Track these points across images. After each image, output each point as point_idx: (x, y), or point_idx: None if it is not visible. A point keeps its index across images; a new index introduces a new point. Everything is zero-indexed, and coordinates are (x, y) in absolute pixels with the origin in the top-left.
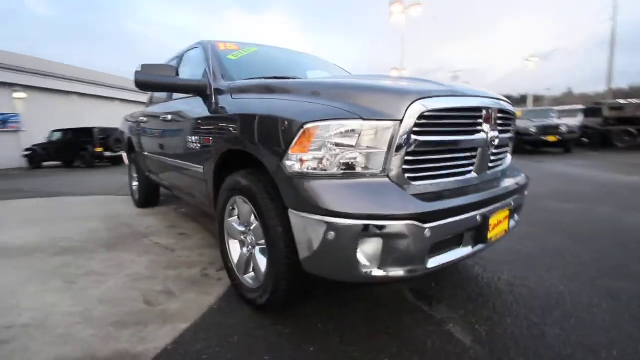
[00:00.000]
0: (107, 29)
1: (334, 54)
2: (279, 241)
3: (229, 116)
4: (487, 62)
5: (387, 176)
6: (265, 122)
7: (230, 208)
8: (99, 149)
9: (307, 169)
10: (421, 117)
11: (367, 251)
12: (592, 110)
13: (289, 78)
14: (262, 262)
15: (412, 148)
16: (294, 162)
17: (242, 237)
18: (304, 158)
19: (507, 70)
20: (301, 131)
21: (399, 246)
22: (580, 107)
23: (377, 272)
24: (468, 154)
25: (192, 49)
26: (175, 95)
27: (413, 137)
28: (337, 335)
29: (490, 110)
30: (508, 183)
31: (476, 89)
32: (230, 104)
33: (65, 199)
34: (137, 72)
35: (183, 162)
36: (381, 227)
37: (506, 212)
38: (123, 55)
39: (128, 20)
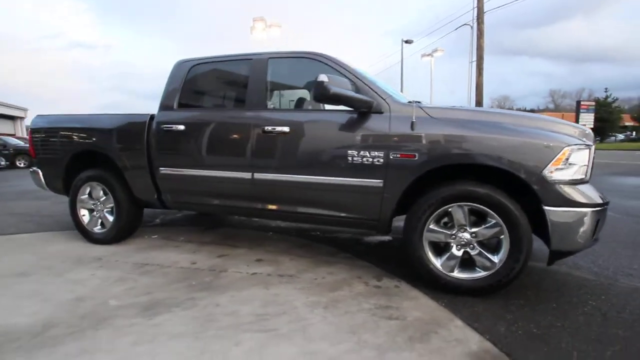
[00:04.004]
0: None
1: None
2: (528, 232)
3: (449, 135)
4: None
5: (588, 181)
6: (524, 144)
7: (437, 216)
8: None
9: (560, 177)
10: None
11: (595, 227)
12: None
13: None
14: (489, 254)
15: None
16: (552, 173)
17: (450, 239)
18: (557, 169)
19: None
20: (562, 151)
21: (602, 221)
22: None
23: (594, 241)
24: None
25: (291, 57)
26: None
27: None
28: (568, 295)
29: None
30: None
31: None
32: (442, 125)
33: None
34: (327, 84)
35: (340, 178)
36: (603, 210)
37: None
38: None
39: None
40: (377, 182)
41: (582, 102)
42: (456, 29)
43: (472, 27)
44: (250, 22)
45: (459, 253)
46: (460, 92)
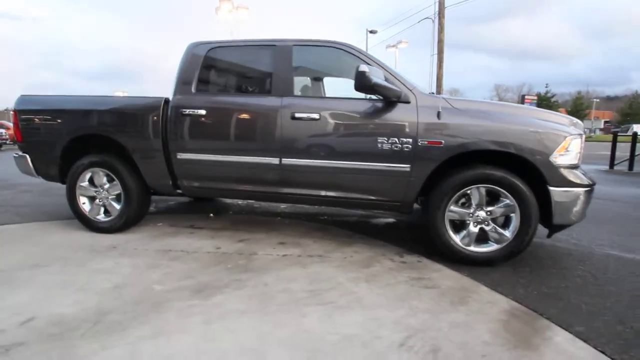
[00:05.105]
0: None
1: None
2: (536, 209)
3: (473, 125)
4: None
5: (579, 166)
6: (537, 134)
7: (457, 197)
8: None
9: (561, 162)
10: None
11: (586, 204)
12: None
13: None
14: (501, 230)
15: None
16: (556, 159)
17: (468, 217)
18: (560, 155)
19: None
20: (565, 140)
21: (590, 199)
22: None
23: (583, 216)
24: None
25: (316, 45)
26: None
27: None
28: (561, 262)
29: None
30: None
31: None
32: (465, 115)
33: None
34: (368, 74)
35: (369, 163)
36: (592, 190)
37: None
38: None
39: None
40: (404, 167)
41: (526, 96)
42: (419, 22)
43: (433, 21)
44: (214, 2)
45: (475, 229)
46: (422, 84)
